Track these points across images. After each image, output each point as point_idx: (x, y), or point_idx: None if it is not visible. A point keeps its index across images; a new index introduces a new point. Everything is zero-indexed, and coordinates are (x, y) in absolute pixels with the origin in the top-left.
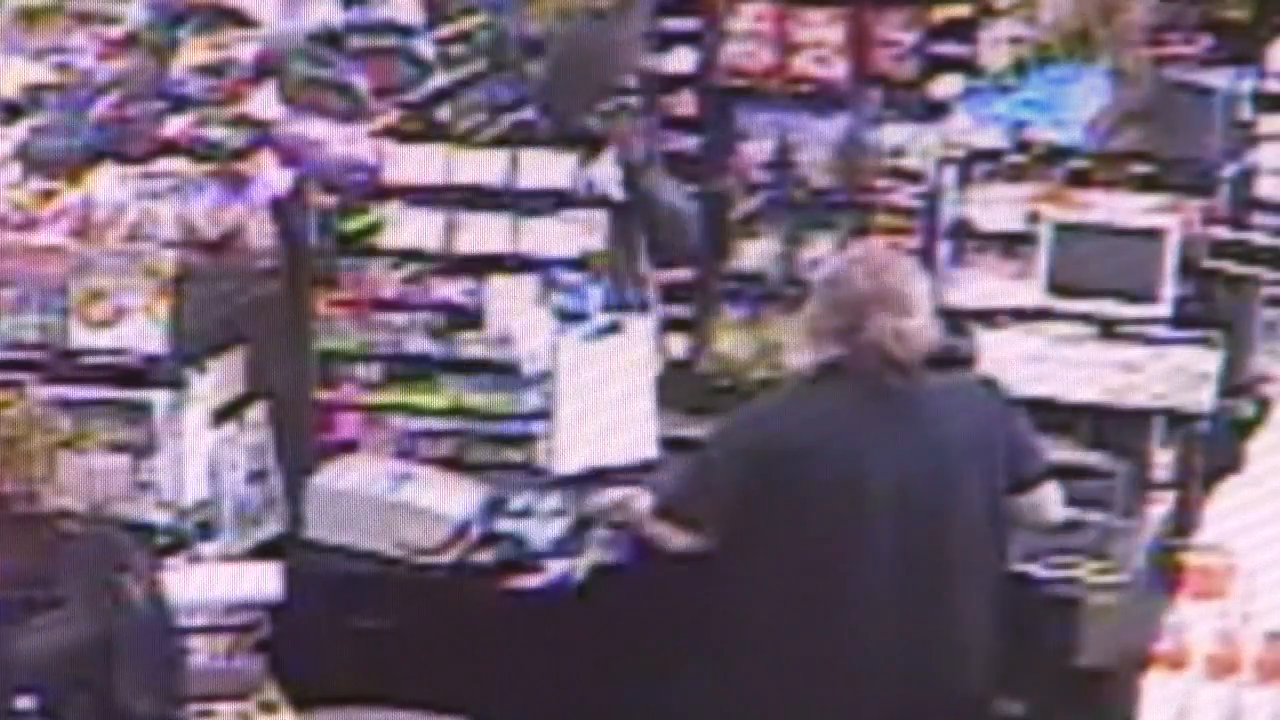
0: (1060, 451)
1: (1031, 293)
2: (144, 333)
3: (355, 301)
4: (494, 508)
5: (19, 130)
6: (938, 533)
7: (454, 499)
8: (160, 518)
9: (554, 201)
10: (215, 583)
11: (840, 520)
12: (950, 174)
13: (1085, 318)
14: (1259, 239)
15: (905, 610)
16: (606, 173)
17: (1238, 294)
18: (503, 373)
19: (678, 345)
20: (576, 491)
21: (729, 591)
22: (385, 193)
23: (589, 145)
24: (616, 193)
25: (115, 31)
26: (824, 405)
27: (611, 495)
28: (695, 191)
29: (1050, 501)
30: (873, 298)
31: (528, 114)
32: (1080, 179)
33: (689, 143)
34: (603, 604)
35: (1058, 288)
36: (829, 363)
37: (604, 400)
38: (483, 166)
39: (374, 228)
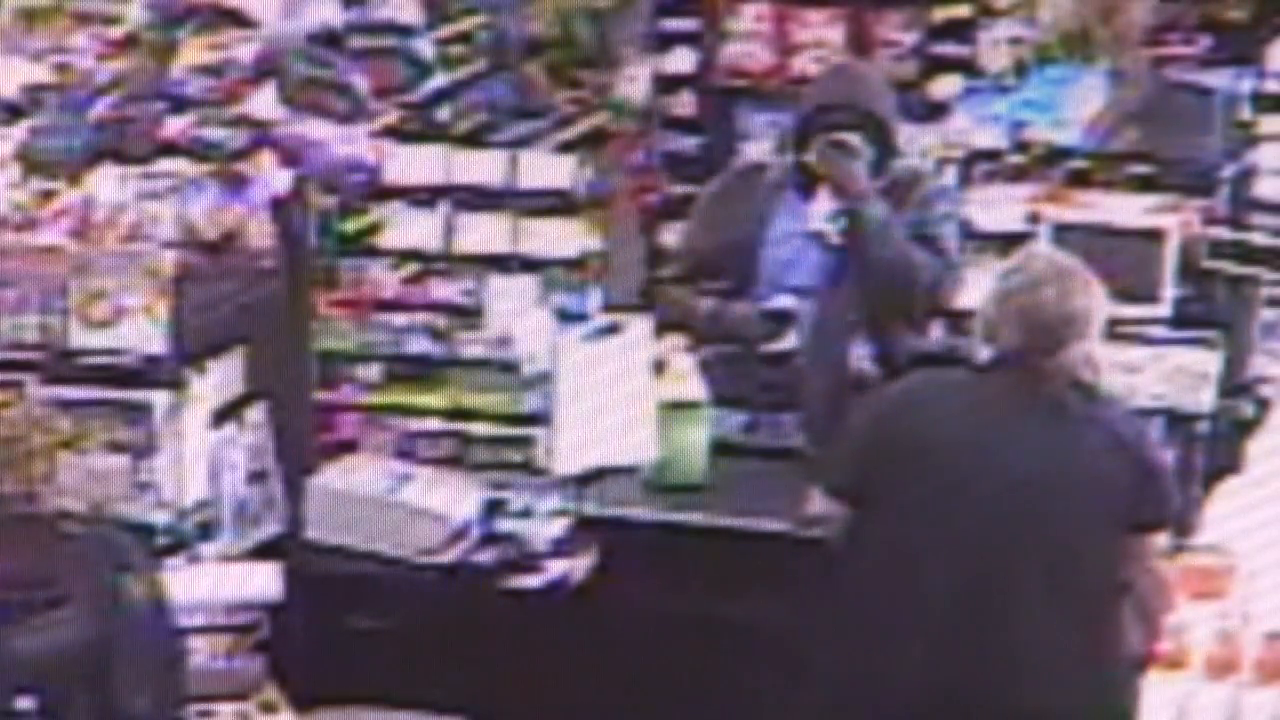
0: None
1: None
2: (144, 333)
3: (355, 301)
4: (494, 508)
5: (19, 130)
6: (1028, 550)
7: (454, 499)
8: (160, 518)
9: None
10: (215, 583)
11: (937, 515)
12: (950, 174)
13: None
14: (1259, 239)
15: (964, 618)
16: (821, 210)
17: (1238, 294)
18: (503, 373)
19: None
20: (577, 491)
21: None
22: (385, 193)
23: (808, 182)
24: (831, 233)
25: (115, 31)
26: (973, 400)
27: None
28: None
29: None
30: (1065, 322)
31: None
32: (1080, 179)
33: (689, 143)
34: (603, 604)
35: None
36: (1001, 359)
37: (604, 401)
38: (483, 166)
39: (374, 228)
